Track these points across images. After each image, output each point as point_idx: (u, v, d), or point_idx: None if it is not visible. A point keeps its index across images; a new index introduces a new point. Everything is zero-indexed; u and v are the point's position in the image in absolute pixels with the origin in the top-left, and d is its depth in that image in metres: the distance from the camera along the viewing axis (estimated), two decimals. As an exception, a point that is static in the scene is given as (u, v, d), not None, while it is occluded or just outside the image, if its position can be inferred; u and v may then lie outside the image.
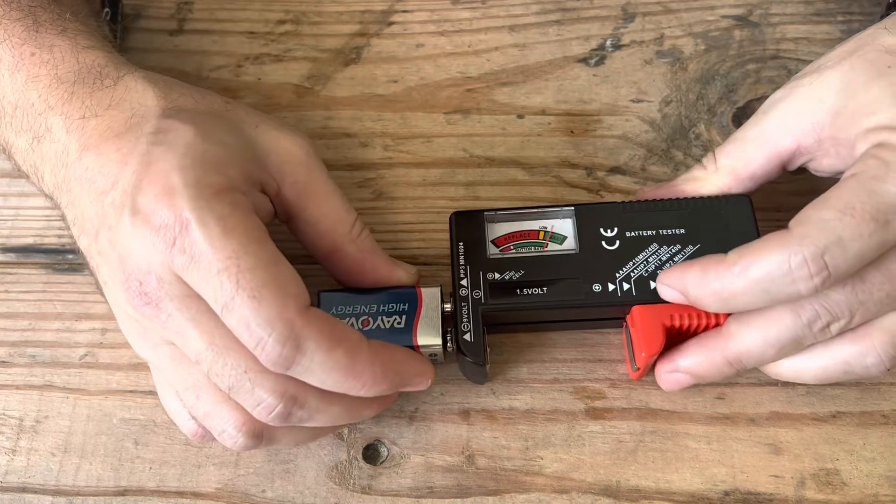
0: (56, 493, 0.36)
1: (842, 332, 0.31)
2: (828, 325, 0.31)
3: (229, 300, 0.28)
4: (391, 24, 0.46)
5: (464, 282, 0.35)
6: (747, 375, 0.37)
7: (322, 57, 0.45)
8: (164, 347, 0.31)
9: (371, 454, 0.36)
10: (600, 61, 0.45)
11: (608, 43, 0.45)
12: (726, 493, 0.35)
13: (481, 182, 0.42)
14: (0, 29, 0.34)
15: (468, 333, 0.34)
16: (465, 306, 0.34)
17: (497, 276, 0.35)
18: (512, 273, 0.35)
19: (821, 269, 0.29)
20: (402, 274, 0.36)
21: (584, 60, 0.45)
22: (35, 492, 0.36)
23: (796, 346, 0.32)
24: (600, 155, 0.42)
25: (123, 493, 0.36)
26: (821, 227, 0.29)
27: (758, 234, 0.34)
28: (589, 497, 0.35)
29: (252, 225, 0.30)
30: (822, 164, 0.34)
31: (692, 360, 0.34)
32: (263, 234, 0.30)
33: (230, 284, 0.28)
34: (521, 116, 0.43)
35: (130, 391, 0.38)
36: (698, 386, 0.37)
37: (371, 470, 0.36)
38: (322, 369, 0.29)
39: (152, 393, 0.38)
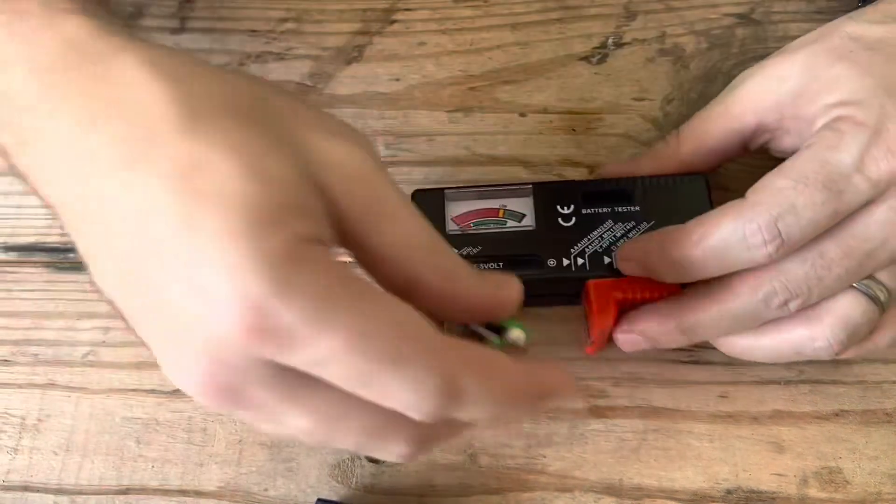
0: (58, 491, 0.36)
1: (801, 309, 0.32)
2: (786, 303, 0.31)
3: (360, 377, 0.23)
4: (393, 22, 0.46)
5: None
6: (750, 374, 0.37)
7: (324, 55, 0.45)
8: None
9: (374, 453, 0.36)
10: (602, 59, 0.45)
11: (610, 41, 0.45)
12: (729, 492, 0.35)
13: (484, 181, 0.42)
14: None
15: None
16: None
17: (455, 251, 0.35)
18: (469, 248, 0.35)
19: (774, 237, 0.29)
20: (507, 294, 0.28)
21: (586, 59, 0.45)
22: (37, 490, 0.36)
23: (752, 321, 0.32)
24: (602, 153, 0.42)
25: (126, 491, 0.36)
26: (774, 194, 0.29)
27: None
28: (592, 495, 0.35)
29: (341, 276, 0.23)
30: (783, 143, 0.34)
31: (646, 325, 0.34)
32: (355, 280, 0.23)
33: (353, 362, 0.22)
34: (523, 115, 0.43)
35: (133, 390, 0.38)
36: (701, 384, 0.37)
37: (373, 468, 0.36)
38: (482, 404, 0.24)
39: (154, 391, 0.38)
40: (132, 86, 0.24)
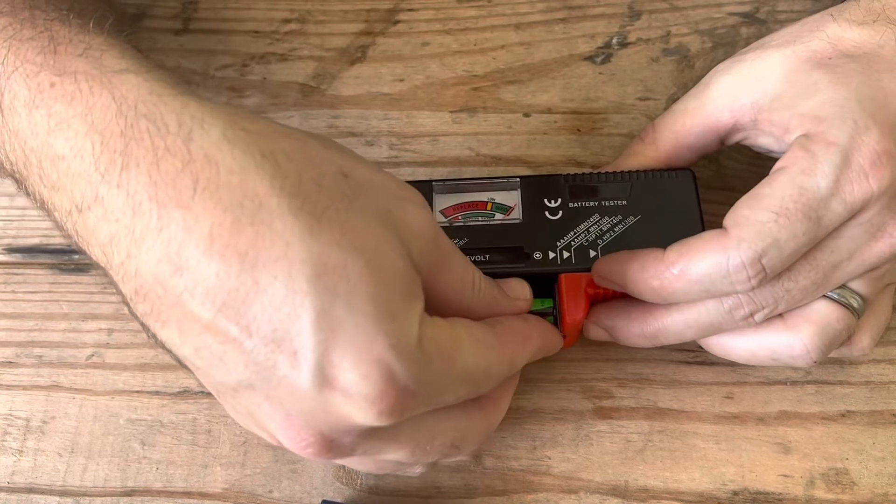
0: (63, 493, 0.36)
1: (768, 319, 0.32)
2: (752, 314, 0.31)
3: (461, 398, 0.28)
4: (397, 22, 0.46)
5: None
6: (755, 375, 0.37)
7: (327, 56, 0.45)
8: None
9: (378, 454, 0.36)
10: (606, 59, 0.44)
11: (614, 41, 0.45)
12: (735, 493, 0.35)
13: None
14: (10, 54, 0.27)
15: None
16: None
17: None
18: (456, 241, 0.35)
19: (758, 272, 0.29)
20: (524, 301, 0.33)
21: (590, 58, 0.44)
22: (42, 492, 0.36)
23: (716, 330, 0.33)
24: (607, 153, 0.42)
25: (130, 493, 0.36)
26: (757, 229, 0.29)
27: (699, 207, 0.35)
28: (597, 497, 0.35)
29: (446, 331, 0.27)
30: (759, 142, 0.35)
31: (613, 323, 0.35)
32: (452, 328, 0.27)
33: (461, 395, 0.27)
34: (527, 115, 0.43)
35: (137, 391, 0.38)
36: (706, 385, 0.37)
37: (378, 470, 0.36)
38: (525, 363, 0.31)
39: (159, 393, 0.38)
40: (224, 167, 0.24)
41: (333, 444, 0.26)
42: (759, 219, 0.29)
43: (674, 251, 0.31)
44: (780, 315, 0.32)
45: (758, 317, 0.32)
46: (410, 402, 0.25)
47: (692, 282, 0.30)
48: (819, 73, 0.32)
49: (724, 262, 0.30)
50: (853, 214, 0.30)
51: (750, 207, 0.30)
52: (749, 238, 0.29)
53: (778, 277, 0.31)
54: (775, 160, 0.33)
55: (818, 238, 0.30)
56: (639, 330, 0.34)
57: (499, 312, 0.31)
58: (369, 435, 0.26)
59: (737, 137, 0.35)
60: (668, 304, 0.32)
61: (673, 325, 0.33)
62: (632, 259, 0.32)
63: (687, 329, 0.33)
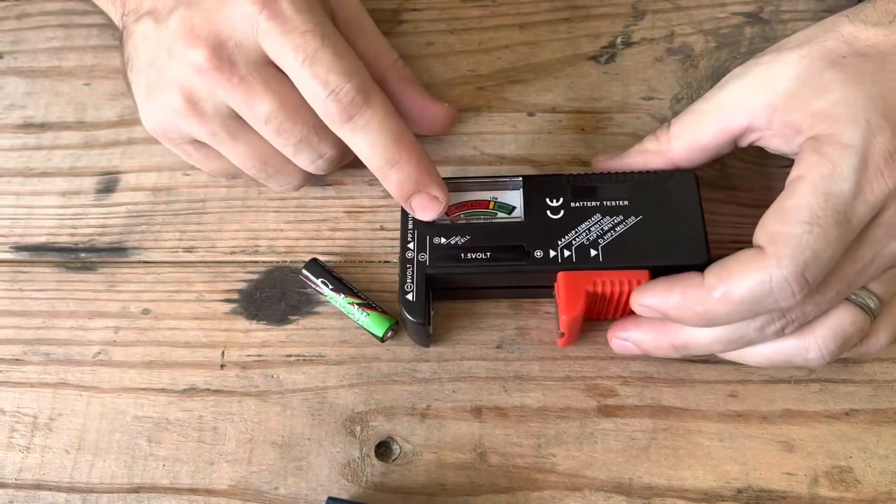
0: (70, 490, 0.36)
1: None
2: (783, 329, 0.32)
3: (314, 53, 0.33)
4: (401, 22, 0.46)
5: (410, 245, 0.36)
6: (759, 373, 0.37)
7: (332, 55, 0.45)
8: (188, 147, 0.38)
9: (383, 451, 0.36)
10: (611, 59, 0.45)
11: (618, 40, 0.45)
12: (739, 491, 0.35)
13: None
14: None
15: (411, 293, 0.35)
16: (409, 268, 0.35)
17: (443, 240, 0.36)
18: (458, 238, 0.36)
19: (803, 286, 0.30)
20: (439, 109, 0.41)
21: (594, 58, 0.45)
22: (49, 489, 0.36)
23: (746, 344, 0.33)
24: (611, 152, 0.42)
25: (137, 490, 0.36)
26: (794, 243, 0.29)
27: (701, 208, 0.35)
28: (601, 494, 0.35)
29: (326, 16, 0.35)
30: (772, 144, 0.35)
31: (641, 336, 0.35)
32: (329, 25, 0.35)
33: (315, 41, 0.33)
34: (531, 114, 0.43)
35: (143, 389, 0.38)
36: (710, 383, 0.37)
37: (383, 467, 0.36)
38: (378, 128, 0.34)
39: (165, 390, 0.38)
40: None
41: (218, 50, 0.34)
42: (793, 232, 0.29)
43: (713, 275, 0.31)
44: None
45: (788, 330, 0.32)
46: (277, 8, 0.33)
47: (736, 303, 0.30)
48: (832, 72, 0.32)
49: (768, 280, 0.29)
50: (875, 215, 0.30)
51: (781, 223, 0.30)
52: (788, 254, 0.29)
53: (810, 293, 0.31)
54: (779, 159, 0.33)
55: (848, 242, 0.30)
56: (668, 342, 0.34)
57: (411, 99, 0.40)
58: (248, 54, 0.34)
59: (750, 139, 0.35)
60: (715, 326, 0.32)
61: (703, 339, 0.33)
62: (671, 287, 0.32)
63: (716, 343, 0.33)
